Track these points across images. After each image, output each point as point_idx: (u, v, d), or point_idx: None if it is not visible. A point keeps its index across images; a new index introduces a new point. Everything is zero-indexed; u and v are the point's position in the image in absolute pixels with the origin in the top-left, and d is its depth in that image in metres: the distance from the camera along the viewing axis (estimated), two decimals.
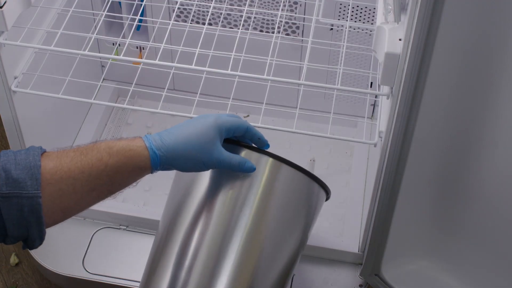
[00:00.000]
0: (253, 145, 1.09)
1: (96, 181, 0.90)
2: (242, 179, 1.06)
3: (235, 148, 1.06)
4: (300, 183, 1.11)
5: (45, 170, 0.86)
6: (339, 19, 1.52)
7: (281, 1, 1.49)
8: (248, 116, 1.67)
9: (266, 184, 1.07)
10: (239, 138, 1.07)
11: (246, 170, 1.04)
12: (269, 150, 1.09)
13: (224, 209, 1.04)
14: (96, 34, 1.29)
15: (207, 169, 1.00)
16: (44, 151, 0.89)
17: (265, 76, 1.21)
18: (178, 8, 1.60)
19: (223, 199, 1.05)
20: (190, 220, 1.05)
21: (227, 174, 1.06)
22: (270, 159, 1.07)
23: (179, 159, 0.96)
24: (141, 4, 1.46)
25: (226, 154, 1.00)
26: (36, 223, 0.86)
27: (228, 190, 1.05)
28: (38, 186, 0.85)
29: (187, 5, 1.55)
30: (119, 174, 0.91)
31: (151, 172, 0.95)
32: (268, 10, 1.54)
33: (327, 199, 1.20)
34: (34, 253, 1.41)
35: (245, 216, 1.04)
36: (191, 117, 1.24)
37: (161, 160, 0.94)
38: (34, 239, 0.88)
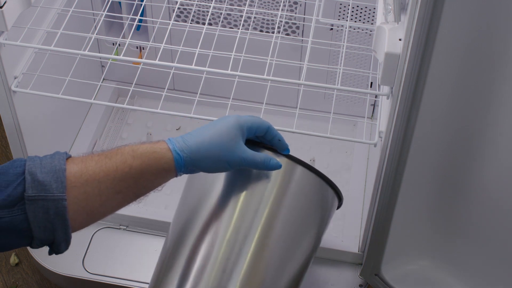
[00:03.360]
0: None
1: (121, 183, 0.90)
2: (256, 181, 1.05)
3: (256, 150, 1.04)
4: (315, 187, 1.10)
5: (70, 174, 0.87)
6: (339, 19, 1.52)
7: (281, 1, 1.49)
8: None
9: (280, 187, 1.06)
10: (259, 139, 1.06)
11: (271, 168, 1.03)
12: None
13: (235, 216, 1.03)
14: (96, 34, 1.29)
15: (231, 168, 0.99)
16: (70, 156, 0.90)
17: (265, 76, 1.21)
18: (178, 8, 1.60)
19: (234, 206, 1.04)
20: (201, 227, 1.04)
21: (241, 177, 1.05)
22: (286, 160, 1.06)
23: (203, 160, 0.96)
24: (141, 4, 1.46)
25: (249, 152, 0.99)
26: (61, 226, 0.86)
27: (240, 196, 1.05)
28: (63, 189, 0.85)
29: (187, 5, 1.55)
30: (144, 176, 0.92)
31: (176, 175, 0.96)
32: (268, 10, 1.54)
33: (339, 206, 1.20)
34: (34, 253, 1.41)
35: (256, 223, 1.03)
36: (191, 117, 1.24)
37: (185, 162, 0.94)
38: (59, 242, 0.88)
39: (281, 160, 1.06)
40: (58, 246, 0.89)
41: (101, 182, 0.89)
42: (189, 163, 0.95)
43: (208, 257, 1.00)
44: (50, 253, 0.91)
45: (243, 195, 1.05)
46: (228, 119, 0.99)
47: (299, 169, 1.08)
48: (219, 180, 1.07)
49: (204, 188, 1.08)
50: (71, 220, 0.87)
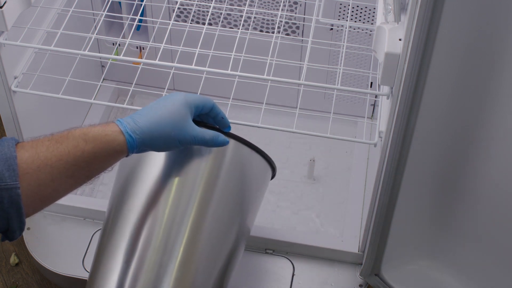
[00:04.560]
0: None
1: (73, 167, 0.90)
2: (192, 158, 1.07)
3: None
4: (246, 158, 1.13)
5: (22, 160, 0.86)
6: (339, 19, 1.52)
7: (281, 1, 1.49)
8: None
9: (214, 162, 1.09)
10: (203, 116, 1.08)
11: (219, 144, 1.05)
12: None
13: (172, 195, 1.06)
14: (96, 34, 1.29)
15: (181, 146, 1.01)
16: (18, 142, 0.89)
17: (265, 76, 1.21)
18: (178, 8, 1.60)
19: (171, 184, 1.06)
20: (140, 209, 1.06)
21: (177, 155, 1.07)
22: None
23: (155, 140, 0.97)
24: (141, 4, 1.46)
25: (198, 130, 1.01)
26: (16, 214, 0.86)
27: (176, 174, 1.07)
28: (16, 177, 0.85)
29: (187, 5, 1.55)
30: (96, 159, 0.92)
31: (127, 156, 0.96)
32: (268, 10, 1.54)
33: (273, 176, 1.22)
34: (34, 253, 1.41)
35: (192, 199, 1.06)
36: None
37: (137, 143, 0.95)
38: (14, 230, 0.88)
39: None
40: (12, 233, 0.88)
41: (54, 168, 0.88)
42: (141, 144, 0.96)
43: (150, 236, 1.02)
44: (2, 239, 0.90)
45: (179, 173, 1.07)
46: (176, 97, 1.00)
47: (232, 142, 1.10)
48: (151, 159, 1.08)
49: (138, 169, 1.09)
50: (25, 206, 0.86)
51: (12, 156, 0.85)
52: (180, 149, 1.05)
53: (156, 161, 1.08)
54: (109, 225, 1.08)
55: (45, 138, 0.91)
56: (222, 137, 1.04)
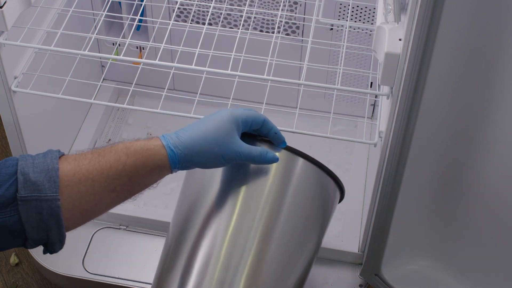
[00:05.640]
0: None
1: (115, 181, 0.89)
2: (256, 176, 1.03)
3: (252, 143, 1.03)
4: (317, 180, 1.09)
5: (63, 173, 0.86)
6: (339, 19, 1.52)
7: (281, 1, 1.49)
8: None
9: (280, 182, 1.05)
10: (255, 132, 1.04)
11: (268, 161, 1.01)
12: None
13: (236, 214, 1.02)
14: (96, 34, 1.29)
15: (227, 163, 0.98)
16: (62, 154, 0.89)
17: (265, 76, 1.21)
18: (178, 8, 1.60)
19: (234, 203, 1.03)
20: (201, 226, 1.03)
21: (240, 172, 1.04)
22: (285, 152, 1.05)
23: (197, 155, 0.95)
24: (141, 4, 1.46)
25: (245, 146, 0.98)
26: (55, 226, 0.86)
27: (239, 192, 1.03)
28: (56, 188, 0.85)
29: (187, 5, 1.55)
30: (138, 174, 0.91)
31: (171, 172, 0.94)
32: (268, 10, 1.54)
33: (341, 199, 1.19)
34: (34, 253, 1.41)
35: (258, 219, 1.02)
36: (191, 117, 1.24)
37: (179, 158, 0.93)
38: (54, 242, 0.88)
39: (280, 152, 1.04)
40: (53, 246, 0.89)
41: (95, 181, 0.88)
42: (184, 159, 0.94)
43: (210, 254, 0.99)
44: (44, 252, 0.91)
45: (242, 191, 1.03)
46: (223, 113, 0.98)
47: (300, 161, 1.07)
48: (217, 176, 1.06)
49: (203, 185, 1.07)
50: (65, 219, 0.86)
51: (54, 168, 0.86)
52: (246, 166, 1.03)
53: (221, 176, 1.05)
54: (172, 240, 1.05)
55: (88, 151, 0.91)
56: (271, 153, 1.01)
